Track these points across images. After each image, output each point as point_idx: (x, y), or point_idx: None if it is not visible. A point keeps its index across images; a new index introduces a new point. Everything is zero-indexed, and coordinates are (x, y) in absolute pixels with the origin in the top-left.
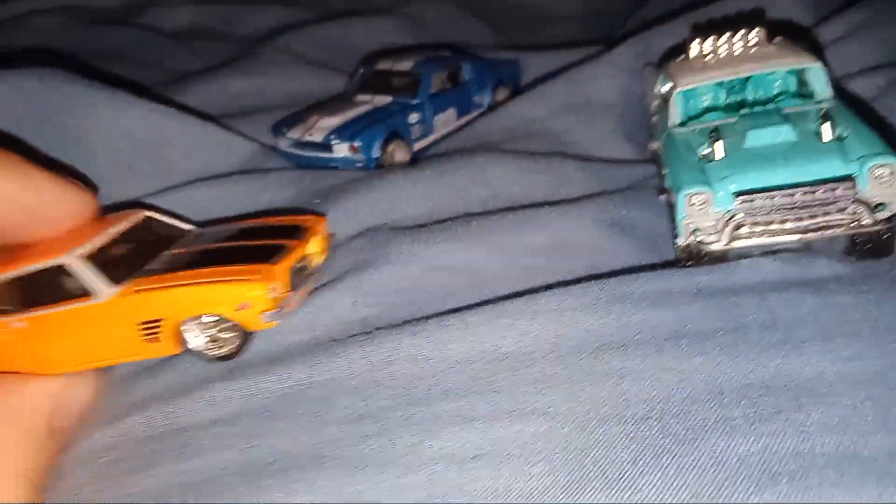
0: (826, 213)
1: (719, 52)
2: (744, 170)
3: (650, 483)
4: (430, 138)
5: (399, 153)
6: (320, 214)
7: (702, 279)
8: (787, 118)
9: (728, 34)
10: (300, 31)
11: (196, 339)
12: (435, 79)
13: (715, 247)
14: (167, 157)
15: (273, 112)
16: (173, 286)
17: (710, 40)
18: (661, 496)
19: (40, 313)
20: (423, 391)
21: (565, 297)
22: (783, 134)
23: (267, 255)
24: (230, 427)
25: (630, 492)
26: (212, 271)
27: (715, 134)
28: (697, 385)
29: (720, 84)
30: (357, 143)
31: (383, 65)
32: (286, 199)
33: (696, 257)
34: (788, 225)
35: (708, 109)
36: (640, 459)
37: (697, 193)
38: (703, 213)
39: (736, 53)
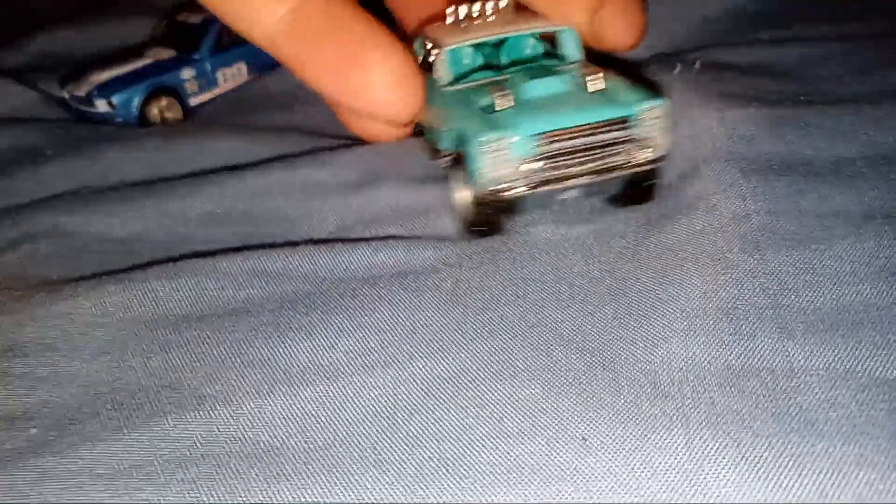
0: (607, 155)
1: (473, 17)
2: (534, 115)
3: None
4: (212, 93)
5: (170, 111)
6: None
7: None
8: (554, 72)
9: (480, 2)
10: None
11: None
12: (226, 33)
13: (510, 194)
14: None
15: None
16: None
17: (464, 7)
18: None
19: None
20: None
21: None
22: (555, 86)
23: None
24: None
25: None
26: None
27: (496, 86)
28: None
29: (479, 47)
30: (114, 100)
31: (181, 16)
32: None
33: (487, 211)
34: (576, 169)
35: (472, 70)
36: None
37: (495, 140)
38: (501, 161)
39: (489, 20)
